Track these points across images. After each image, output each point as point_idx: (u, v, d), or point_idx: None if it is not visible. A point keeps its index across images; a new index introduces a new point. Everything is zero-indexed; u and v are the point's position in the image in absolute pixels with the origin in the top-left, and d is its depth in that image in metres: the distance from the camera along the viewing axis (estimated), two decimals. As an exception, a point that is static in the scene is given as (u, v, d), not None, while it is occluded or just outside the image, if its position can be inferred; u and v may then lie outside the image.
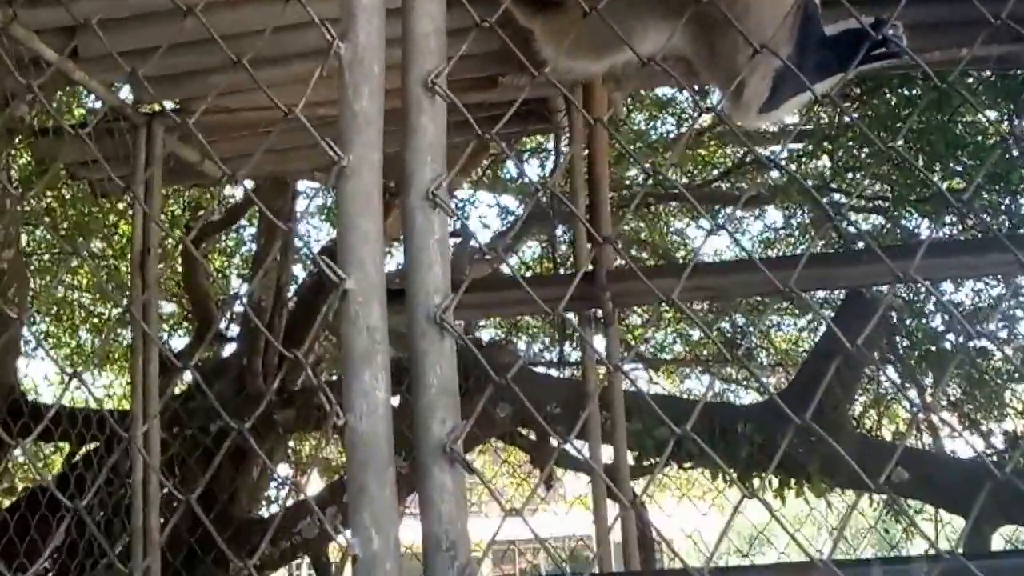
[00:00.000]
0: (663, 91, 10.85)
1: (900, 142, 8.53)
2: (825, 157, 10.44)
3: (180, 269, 11.02)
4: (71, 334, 12.47)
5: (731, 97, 3.11)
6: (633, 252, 12.34)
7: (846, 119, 9.03)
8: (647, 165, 10.57)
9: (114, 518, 6.39)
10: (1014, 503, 6.35)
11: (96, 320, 12.36)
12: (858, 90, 8.74)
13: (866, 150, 9.75)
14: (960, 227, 9.64)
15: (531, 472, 10.62)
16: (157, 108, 6.11)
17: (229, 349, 10.49)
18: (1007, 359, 9.16)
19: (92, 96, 7.93)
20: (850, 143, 9.65)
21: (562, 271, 11.02)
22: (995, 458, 9.32)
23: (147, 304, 5.70)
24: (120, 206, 10.17)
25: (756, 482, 7.36)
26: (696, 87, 5.17)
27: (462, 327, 10.68)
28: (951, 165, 8.81)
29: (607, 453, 6.53)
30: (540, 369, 11.98)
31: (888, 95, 8.63)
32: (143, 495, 5.45)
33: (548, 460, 8.34)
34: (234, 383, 8.80)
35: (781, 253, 11.85)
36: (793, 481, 7.40)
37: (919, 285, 5.51)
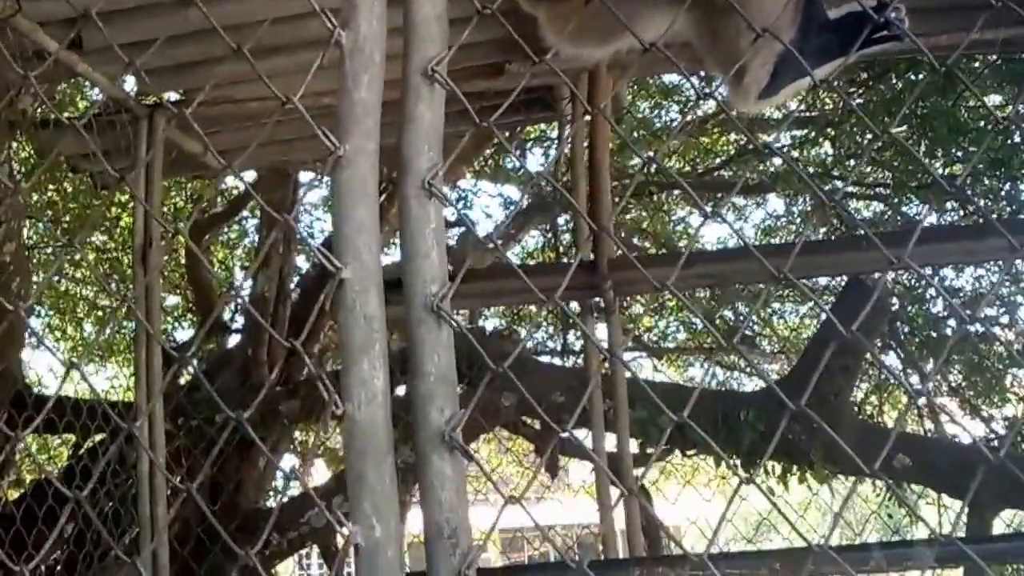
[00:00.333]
0: (668, 78, 10.83)
1: (901, 128, 8.63)
2: (827, 144, 10.42)
3: (183, 261, 11.04)
4: (75, 326, 12.49)
5: (731, 82, 3.11)
6: (635, 241, 12.33)
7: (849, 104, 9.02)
8: (650, 154, 10.55)
9: (121, 508, 6.42)
10: (1015, 488, 6.36)
11: (99, 312, 12.37)
12: (864, 75, 8.73)
13: (869, 136, 9.74)
14: (962, 212, 9.64)
15: (536, 461, 10.65)
16: (159, 99, 6.12)
17: (234, 340, 10.53)
18: (1007, 344, 9.17)
19: (96, 88, 7.95)
20: (853, 129, 9.64)
21: (565, 260, 11.04)
22: (996, 443, 9.35)
23: (150, 296, 5.71)
24: (122, 198, 10.19)
25: (759, 469, 7.39)
26: (700, 73, 5.16)
27: (466, 317, 10.71)
28: (953, 151, 8.80)
29: (611, 441, 6.56)
30: (544, 358, 12.01)
31: (894, 80, 8.61)
32: (149, 486, 5.47)
33: (548, 448, 8.34)
34: (239, 374, 8.82)
35: (782, 241, 11.84)
36: (796, 467, 7.41)
37: (920, 271, 5.50)
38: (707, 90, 2.90)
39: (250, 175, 8.50)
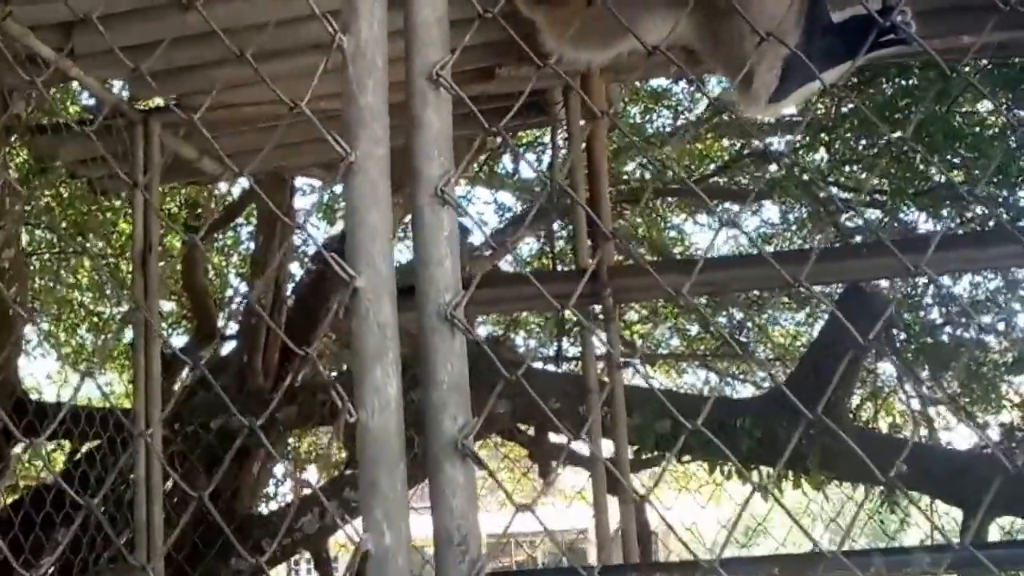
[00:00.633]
0: (658, 82, 10.84)
1: (896, 134, 8.64)
2: (822, 149, 10.43)
3: (179, 268, 11.02)
4: (71, 333, 12.47)
5: (740, 87, 3.10)
6: (621, 242, 12.32)
7: (843, 109, 9.02)
8: (657, 160, 10.58)
9: (116, 514, 6.41)
10: (1013, 495, 6.38)
11: (96, 319, 12.35)
12: (855, 79, 8.74)
13: (864, 142, 9.75)
14: (959, 220, 9.65)
15: (530, 467, 10.66)
16: (153, 104, 6.12)
17: (229, 346, 10.53)
18: (1004, 351, 9.19)
19: (85, 93, 7.93)
20: (848, 135, 9.65)
21: (559, 266, 11.04)
22: (991, 450, 9.36)
23: (149, 302, 5.71)
24: (117, 203, 10.17)
25: (755, 475, 7.41)
26: (691, 77, 5.16)
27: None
28: (949, 157, 8.81)
29: (607, 448, 6.57)
30: (536, 364, 12.03)
31: (885, 84, 8.62)
32: (146, 491, 5.48)
33: (559, 458, 8.36)
34: (235, 381, 8.82)
35: (778, 248, 11.85)
36: (791, 473, 7.42)
37: (917, 278, 5.53)
38: (704, 92, 2.90)
39: (246, 182, 8.50)
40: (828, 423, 1.86)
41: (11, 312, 6.90)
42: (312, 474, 13.14)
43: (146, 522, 5.50)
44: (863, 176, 10.52)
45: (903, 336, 9.48)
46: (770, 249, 11.80)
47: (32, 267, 10.75)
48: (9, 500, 7.69)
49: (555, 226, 11.08)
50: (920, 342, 9.41)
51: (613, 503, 6.26)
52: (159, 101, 6.20)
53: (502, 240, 11.04)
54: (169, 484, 6.37)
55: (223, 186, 10.73)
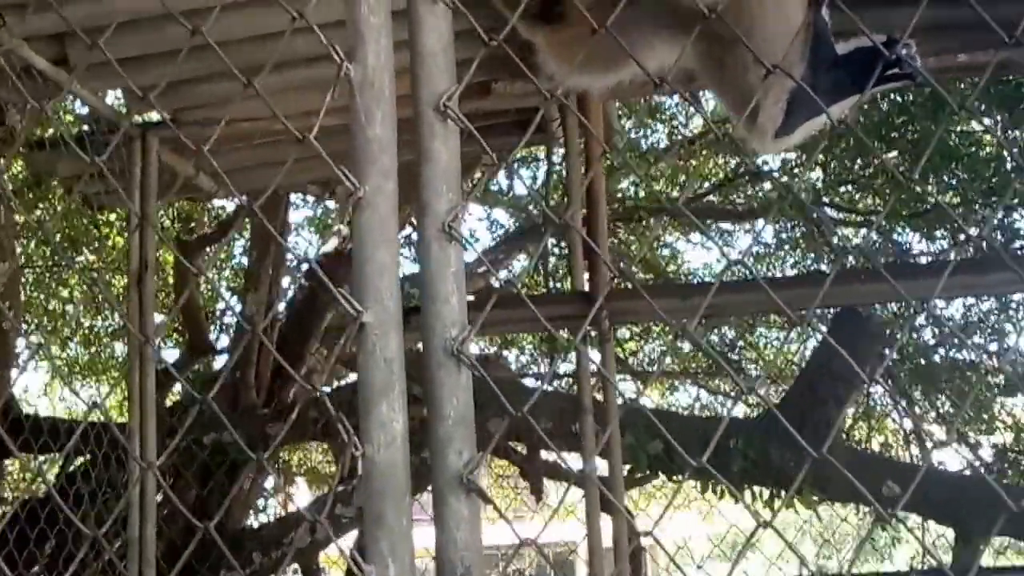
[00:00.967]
0: (655, 98, 10.81)
1: (892, 154, 8.66)
2: (818, 169, 10.44)
3: (171, 281, 11.00)
4: (62, 346, 12.43)
5: (746, 121, 3.09)
6: (622, 265, 12.32)
7: (839, 128, 9.01)
8: (652, 178, 10.57)
9: (108, 528, 6.39)
10: (1007, 517, 6.38)
11: (87, 332, 12.32)
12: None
13: (859, 162, 9.77)
14: (952, 242, 9.68)
15: (521, 485, 10.68)
16: (151, 119, 6.11)
17: (221, 360, 10.52)
18: (996, 372, 9.20)
19: (78, 103, 7.90)
20: (843, 154, 9.67)
21: (552, 282, 11.07)
22: (983, 470, 9.39)
23: (144, 319, 5.70)
24: (111, 217, 10.16)
25: (748, 495, 7.42)
26: (686, 94, 5.15)
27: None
28: (945, 178, 8.82)
29: (601, 466, 6.58)
30: (528, 380, 12.05)
31: (881, 101, 8.64)
32: (140, 507, 5.48)
33: (551, 475, 8.36)
34: (227, 396, 8.81)
35: (771, 267, 11.87)
36: (783, 493, 7.43)
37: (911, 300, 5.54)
38: (703, 115, 2.90)
39: (241, 199, 8.48)
40: (831, 460, 1.85)
41: (5, 325, 6.89)
42: (302, 487, 13.15)
43: (139, 538, 5.49)
44: (858, 196, 10.54)
45: (896, 356, 9.50)
46: (763, 269, 11.83)
47: (25, 280, 10.73)
48: (2, 513, 7.66)
49: (550, 242, 11.09)
50: (914, 363, 9.43)
51: (606, 520, 6.26)
52: (157, 115, 6.17)
53: (496, 258, 11.06)
54: (159, 496, 6.35)
55: (218, 200, 10.72)
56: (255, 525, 9.47)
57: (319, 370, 9.89)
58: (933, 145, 7.89)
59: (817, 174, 10.59)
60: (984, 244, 8.23)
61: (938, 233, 9.67)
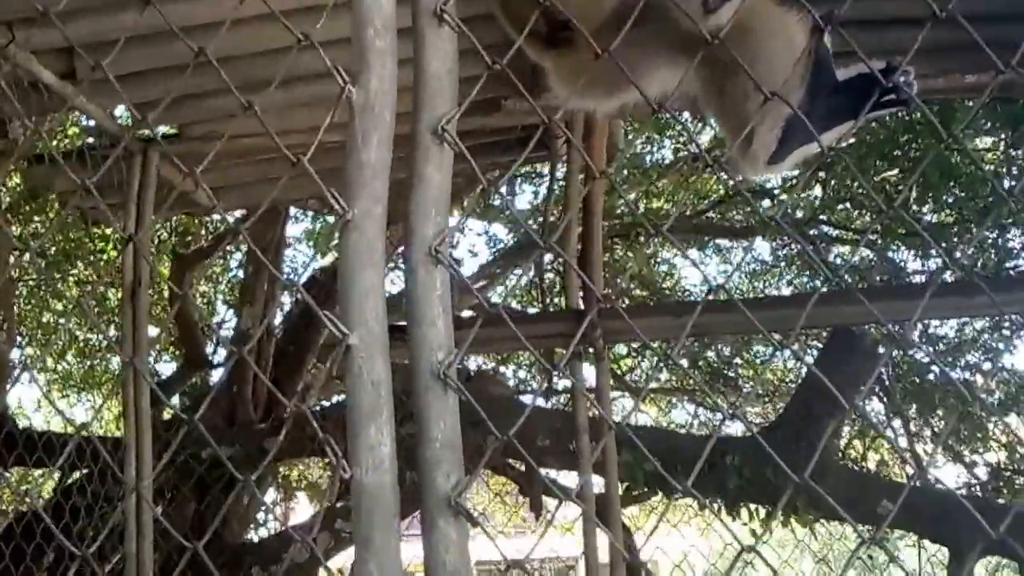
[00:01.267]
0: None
1: (893, 172, 8.66)
2: (818, 187, 10.45)
3: (166, 295, 10.99)
4: (57, 359, 12.42)
5: (739, 148, 3.10)
6: (619, 282, 12.35)
7: (842, 143, 9.01)
8: (652, 194, 10.57)
9: (105, 542, 6.39)
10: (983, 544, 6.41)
11: (82, 345, 12.31)
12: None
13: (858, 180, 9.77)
14: (947, 260, 9.67)
15: (518, 498, 10.67)
16: (152, 133, 6.11)
17: (218, 373, 10.52)
18: (991, 391, 9.21)
19: (84, 115, 7.91)
20: (844, 172, 9.67)
21: (548, 298, 11.07)
22: (978, 489, 9.39)
23: (138, 334, 5.70)
24: (107, 231, 10.15)
25: (744, 513, 7.43)
26: (687, 114, 5.16)
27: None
28: (943, 197, 8.82)
29: (598, 484, 6.59)
30: (525, 397, 12.02)
31: (888, 118, 8.64)
32: (136, 522, 5.48)
33: (534, 489, 8.35)
34: (224, 411, 8.80)
35: (767, 284, 11.89)
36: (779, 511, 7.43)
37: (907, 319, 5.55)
38: (713, 152, 2.91)
39: (239, 213, 8.48)
40: (813, 486, 1.86)
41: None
42: (303, 501, 13.15)
43: (136, 552, 5.49)
44: (856, 214, 10.55)
45: (891, 374, 9.51)
46: (759, 285, 11.85)
47: (19, 293, 10.73)
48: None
49: (546, 258, 11.10)
50: (908, 381, 9.44)
51: (603, 536, 6.26)
52: (159, 130, 6.18)
53: (490, 273, 11.07)
54: (158, 509, 6.35)
55: (216, 215, 10.72)
56: (255, 539, 9.46)
57: (316, 385, 9.90)
58: (929, 163, 7.89)
59: (817, 192, 10.60)
60: (978, 263, 8.29)
61: (932, 251, 9.66)
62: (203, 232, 11.28)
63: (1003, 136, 8.52)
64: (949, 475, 10.08)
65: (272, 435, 8.32)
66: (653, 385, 12.65)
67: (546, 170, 10.80)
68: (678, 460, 7.02)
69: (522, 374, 13.02)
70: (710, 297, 2.18)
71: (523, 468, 9.02)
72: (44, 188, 6.47)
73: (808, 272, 10.99)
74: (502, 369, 12.69)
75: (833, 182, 10.04)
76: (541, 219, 10.90)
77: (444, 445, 1.88)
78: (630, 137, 11.04)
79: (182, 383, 10.54)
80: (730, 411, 2.08)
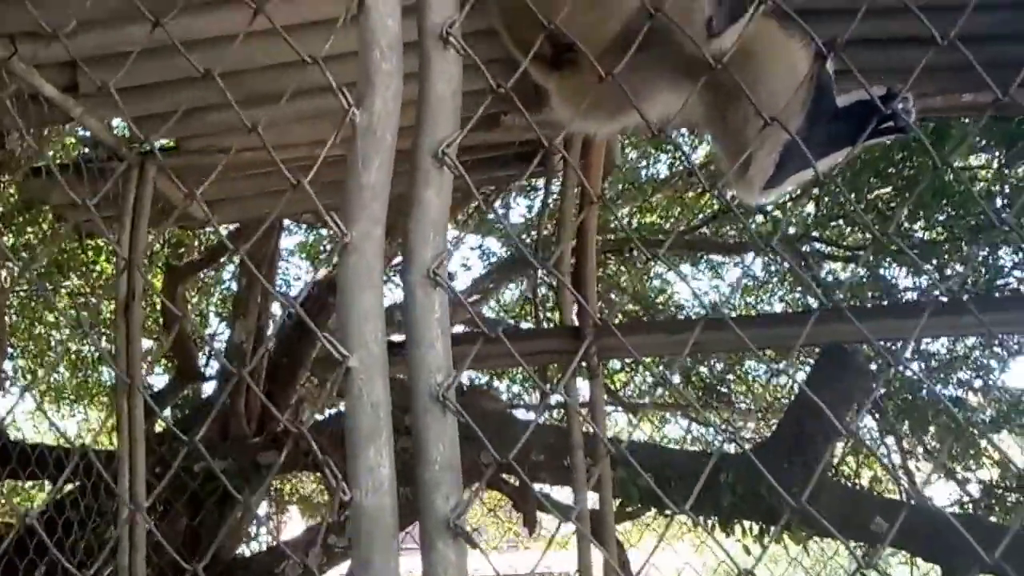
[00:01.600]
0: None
1: (886, 190, 8.69)
2: (811, 204, 10.47)
3: (158, 307, 10.98)
4: (49, 371, 12.39)
5: (736, 172, 3.11)
6: (612, 296, 12.35)
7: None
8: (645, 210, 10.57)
9: (98, 555, 6.38)
10: (990, 553, 6.39)
11: (74, 357, 12.29)
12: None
13: (852, 196, 9.79)
14: (938, 276, 9.70)
15: (512, 513, 10.68)
16: (150, 146, 6.10)
17: (210, 386, 10.51)
18: (983, 408, 9.22)
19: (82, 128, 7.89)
20: (837, 189, 9.69)
21: (541, 312, 11.08)
22: (971, 507, 9.40)
23: (132, 349, 5.69)
24: (100, 242, 10.14)
25: (738, 529, 7.43)
26: (684, 132, 5.17)
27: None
28: (935, 215, 8.84)
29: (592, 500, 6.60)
30: (519, 411, 12.04)
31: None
32: (129, 536, 5.47)
33: (528, 506, 8.35)
34: (217, 425, 8.78)
35: (759, 300, 11.90)
36: (772, 528, 7.43)
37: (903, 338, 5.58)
38: (708, 179, 2.92)
39: (232, 226, 8.48)
40: (810, 511, 1.86)
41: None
42: (295, 516, 13.13)
43: (128, 566, 5.48)
44: (847, 231, 10.57)
45: (883, 391, 9.51)
46: (751, 300, 11.87)
47: (11, 304, 10.71)
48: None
49: (540, 271, 11.10)
50: (900, 398, 9.45)
51: (597, 553, 6.27)
52: (158, 143, 6.17)
53: (484, 288, 11.08)
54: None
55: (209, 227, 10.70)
56: (247, 553, 9.44)
57: (310, 399, 9.89)
58: (924, 183, 7.91)
59: (810, 208, 10.63)
60: (969, 281, 8.31)
61: (924, 269, 9.68)
62: (195, 244, 11.28)
63: (997, 154, 8.54)
64: (942, 492, 10.09)
65: (266, 449, 8.30)
66: (646, 400, 12.66)
67: (540, 183, 10.82)
68: (672, 476, 7.04)
69: (515, 388, 13.01)
70: (711, 316, 2.17)
71: (517, 483, 9.02)
72: (40, 200, 6.46)
73: (800, 288, 11.01)
74: (495, 383, 12.69)
75: (826, 199, 10.06)
76: (535, 233, 10.92)
77: (443, 467, 1.87)
78: (626, 151, 11.06)
79: (174, 395, 10.53)
80: (729, 435, 2.07)
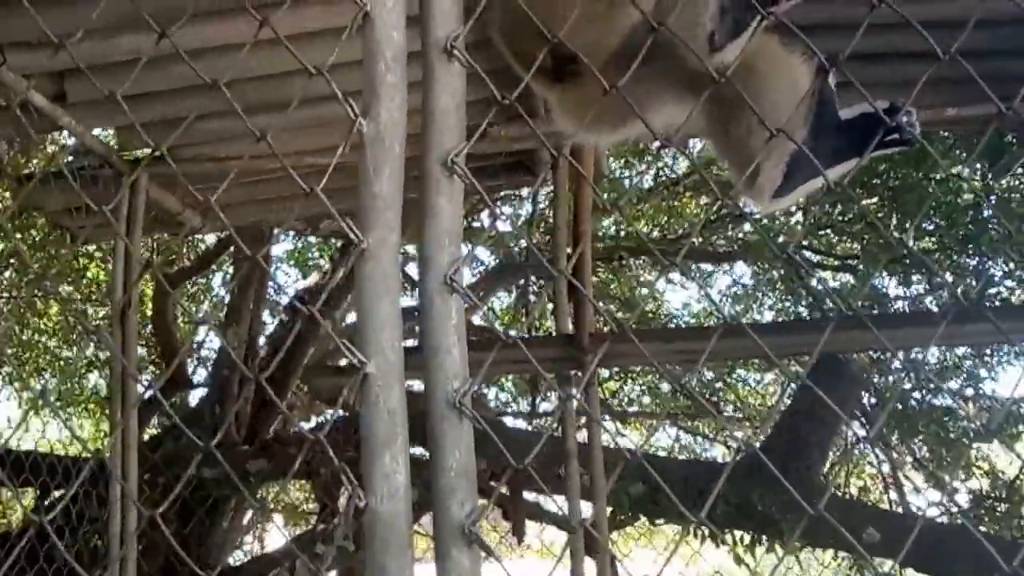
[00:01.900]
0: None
1: (872, 200, 8.73)
2: (799, 213, 10.50)
3: (149, 313, 10.94)
4: (36, 377, 12.34)
5: (745, 181, 3.12)
6: (600, 305, 12.35)
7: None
8: (634, 218, 10.59)
9: (88, 561, 6.37)
10: (979, 565, 6.42)
11: (60, 363, 12.23)
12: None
13: (839, 207, 9.83)
14: (928, 286, 9.75)
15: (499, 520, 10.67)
16: (141, 155, 6.10)
17: (197, 393, 10.48)
18: (974, 418, 9.24)
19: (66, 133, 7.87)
20: (824, 199, 9.72)
21: (533, 320, 11.09)
22: (959, 518, 9.42)
23: (128, 355, 5.68)
24: (90, 248, 10.11)
25: (730, 539, 7.44)
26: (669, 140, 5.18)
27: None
28: (924, 225, 8.88)
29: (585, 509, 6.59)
30: (507, 419, 12.04)
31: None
32: (120, 544, 5.46)
33: (534, 516, 8.36)
34: (208, 432, 8.76)
35: (748, 308, 11.92)
36: (765, 538, 7.44)
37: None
38: (717, 185, 2.93)
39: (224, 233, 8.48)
40: (828, 519, 1.87)
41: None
42: (277, 523, 13.07)
43: (119, 573, 5.47)
44: (836, 240, 10.61)
45: (874, 401, 9.55)
46: (740, 309, 11.88)
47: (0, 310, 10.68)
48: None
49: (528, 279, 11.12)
50: (891, 408, 9.47)
51: (590, 563, 6.26)
52: (147, 151, 6.17)
53: (477, 296, 11.07)
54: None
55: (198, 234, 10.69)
56: (232, 562, 9.42)
57: (300, 406, 9.88)
58: (908, 192, 7.96)
59: (798, 218, 10.66)
60: (959, 292, 8.33)
61: (915, 278, 9.72)
62: (184, 251, 11.27)
63: (979, 166, 8.58)
64: (931, 501, 10.12)
65: (256, 457, 8.29)
66: (634, 408, 12.69)
67: (525, 191, 10.83)
68: (665, 484, 7.03)
69: (504, 396, 13.01)
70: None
71: (507, 491, 9.03)
72: (34, 208, 6.45)
73: (790, 297, 11.03)
74: (484, 390, 12.68)
75: (815, 208, 10.09)
76: (523, 242, 10.94)
77: (459, 474, 1.88)
78: (610, 160, 11.08)
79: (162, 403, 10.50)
80: (739, 448, 2.07)
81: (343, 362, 10.68)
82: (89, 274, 11.16)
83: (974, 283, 8.86)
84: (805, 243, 10.80)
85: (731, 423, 12.19)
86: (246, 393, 8.97)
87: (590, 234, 6.28)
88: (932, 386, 9.24)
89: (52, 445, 9.31)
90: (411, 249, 7.02)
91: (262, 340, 10.12)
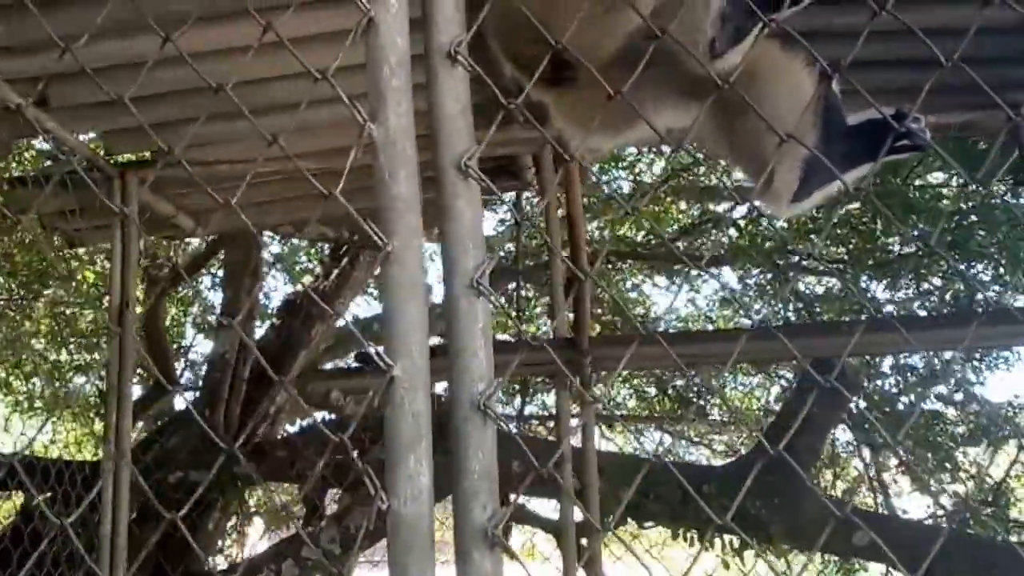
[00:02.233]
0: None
1: (855, 205, 8.78)
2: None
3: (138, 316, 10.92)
4: (24, 380, 12.30)
5: (762, 186, 3.13)
6: (592, 309, 12.36)
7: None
8: (618, 223, 10.61)
9: (79, 566, 6.36)
10: (971, 567, 6.46)
11: (50, 367, 12.19)
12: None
13: (820, 211, 9.86)
14: (916, 290, 9.78)
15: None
16: (129, 159, 6.11)
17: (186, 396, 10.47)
18: (959, 422, 9.30)
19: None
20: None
21: (523, 324, 11.11)
22: (945, 520, 9.47)
23: (124, 358, 5.68)
24: (81, 251, 10.09)
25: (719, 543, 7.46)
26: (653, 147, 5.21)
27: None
28: (910, 230, 8.92)
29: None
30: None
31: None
32: (111, 547, 5.45)
33: (523, 520, 8.35)
34: (196, 435, 8.75)
35: (735, 312, 11.95)
36: (755, 541, 7.46)
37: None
38: (734, 189, 2.95)
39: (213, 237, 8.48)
40: (854, 518, 1.89)
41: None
42: (257, 527, 13.05)
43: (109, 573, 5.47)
44: (822, 244, 10.64)
45: (862, 403, 9.59)
46: (727, 314, 11.92)
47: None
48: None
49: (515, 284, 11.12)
50: (880, 410, 9.51)
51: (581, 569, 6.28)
52: (135, 155, 6.17)
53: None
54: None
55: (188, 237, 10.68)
56: (212, 564, 9.40)
57: (288, 410, 9.87)
58: (888, 197, 8.00)
59: (782, 223, 10.68)
60: (947, 295, 8.38)
61: (902, 283, 9.76)
62: (172, 255, 11.24)
63: (954, 173, 8.64)
64: (918, 505, 10.18)
65: (246, 460, 8.27)
66: (623, 412, 12.70)
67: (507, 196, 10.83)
68: (652, 489, 7.05)
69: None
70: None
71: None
72: (24, 211, 6.44)
73: (780, 302, 11.05)
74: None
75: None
76: (510, 246, 10.95)
77: (482, 476, 1.89)
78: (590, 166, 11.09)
79: (150, 405, 10.48)
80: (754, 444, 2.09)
81: (328, 366, 10.70)
82: (80, 276, 11.12)
83: (962, 288, 8.92)
84: (790, 247, 10.82)
85: (723, 427, 12.22)
86: (236, 396, 8.96)
87: (583, 235, 6.27)
88: (919, 390, 9.29)
89: (34, 448, 9.27)
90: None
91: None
